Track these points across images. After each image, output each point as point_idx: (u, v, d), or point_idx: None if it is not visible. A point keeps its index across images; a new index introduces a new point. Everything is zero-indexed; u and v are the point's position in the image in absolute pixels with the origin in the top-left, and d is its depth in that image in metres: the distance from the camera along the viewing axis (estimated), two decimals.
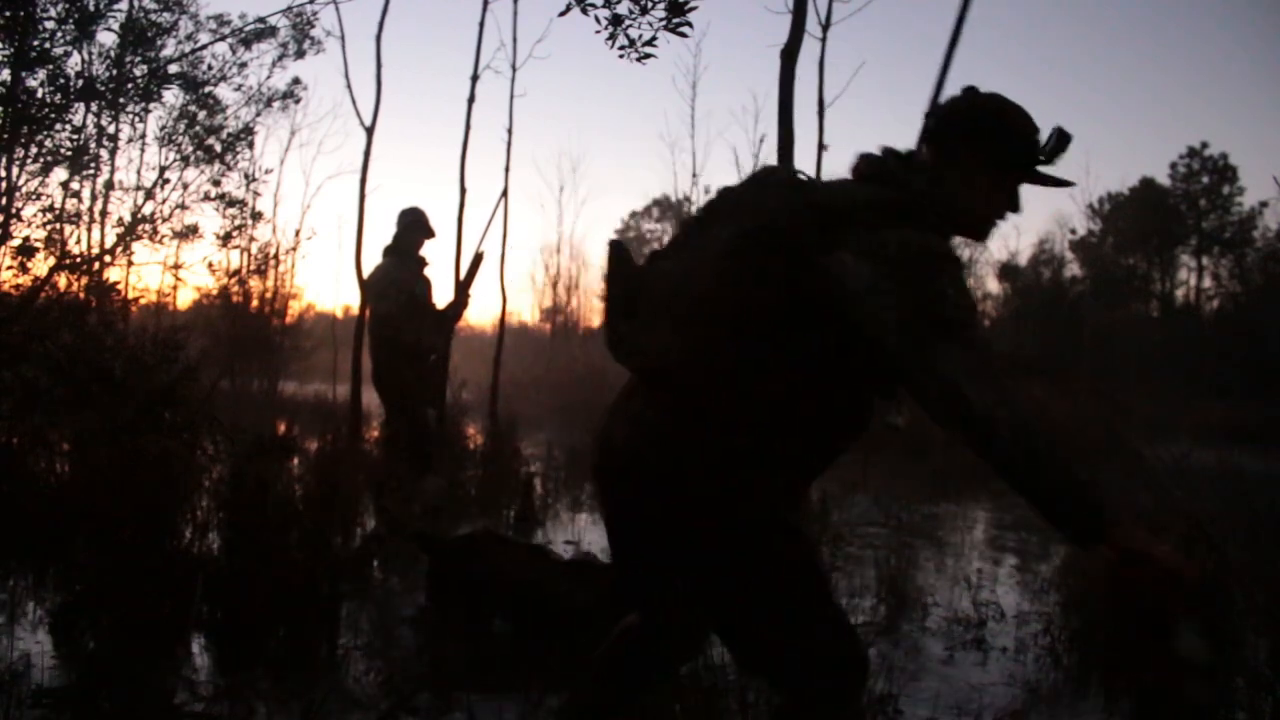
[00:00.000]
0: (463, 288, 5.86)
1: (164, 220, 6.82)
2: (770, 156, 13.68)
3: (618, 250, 1.72)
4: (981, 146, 1.63)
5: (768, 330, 1.54)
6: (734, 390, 1.54)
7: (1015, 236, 35.67)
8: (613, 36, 3.66)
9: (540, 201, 50.66)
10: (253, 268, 16.64)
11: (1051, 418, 1.41)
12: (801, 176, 1.68)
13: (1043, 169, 1.63)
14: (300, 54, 10.52)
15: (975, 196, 1.64)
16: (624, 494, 1.66)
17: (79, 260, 5.52)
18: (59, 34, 4.66)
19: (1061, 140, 1.61)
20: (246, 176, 10.72)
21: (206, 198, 8.24)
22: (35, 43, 4.52)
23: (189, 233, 9.50)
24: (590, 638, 2.97)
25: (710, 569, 1.59)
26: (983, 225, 1.68)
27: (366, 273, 6.41)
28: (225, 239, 10.57)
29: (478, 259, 5.88)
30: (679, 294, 1.62)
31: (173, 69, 6.31)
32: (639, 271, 1.71)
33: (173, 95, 7.56)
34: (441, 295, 5.73)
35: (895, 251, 1.47)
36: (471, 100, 8.67)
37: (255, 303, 18.05)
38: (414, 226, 5.59)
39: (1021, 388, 1.42)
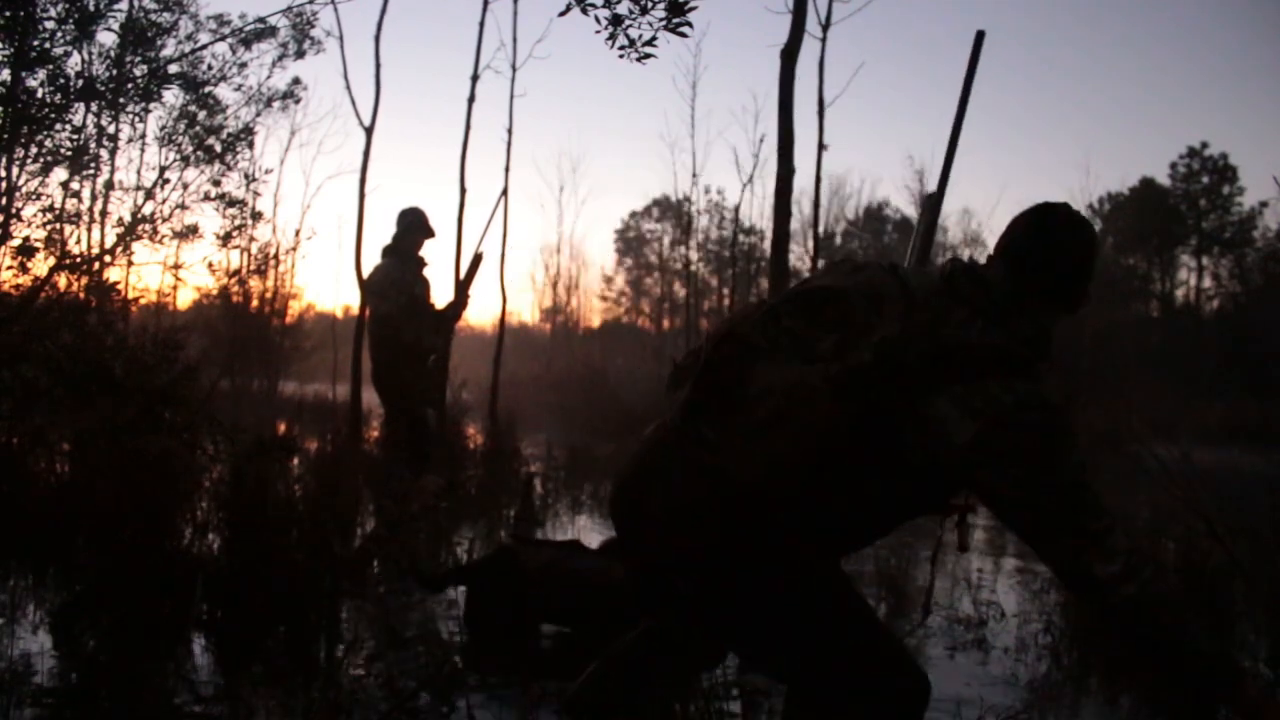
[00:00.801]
0: (462, 288, 5.85)
1: (164, 220, 6.79)
2: (770, 157, 13.68)
3: (713, 339, 1.67)
4: (1071, 287, 1.67)
5: (859, 457, 1.54)
6: (802, 502, 1.55)
7: None
8: (613, 36, 3.65)
9: (540, 201, 50.69)
10: (253, 268, 16.64)
11: (1172, 588, 1.46)
12: (910, 285, 1.61)
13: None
14: (300, 54, 10.49)
15: (1056, 320, 1.69)
16: (658, 557, 1.66)
17: (79, 260, 5.50)
18: (59, 34, 4.65)
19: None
20: (246, 176, 10.67)
21: (206, 198, 8.20)
22: (35, 43, 4.52)
23: (189, 233, 9.46)
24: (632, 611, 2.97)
25: (761, 619, 1.60)
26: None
27: (366, 273, 6.41)
28: (225, 239, 10.52)
29: (477, 259, 5.88)
30: (779, 418, 1.54)
31: (173, 69, 6.29)
32: (735, 366, 1.60)
33: (173, 95, 7.53)
34: (441, 295, 5.74)
35: (1007, 412, 1.46)
36: (471, 100, 8.70)
37: (255, 303, 18.08)
38: (414, 227, 5.59)
39: (1144, 557, 1.46)
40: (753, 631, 1.63)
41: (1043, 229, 1.66)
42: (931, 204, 1.94)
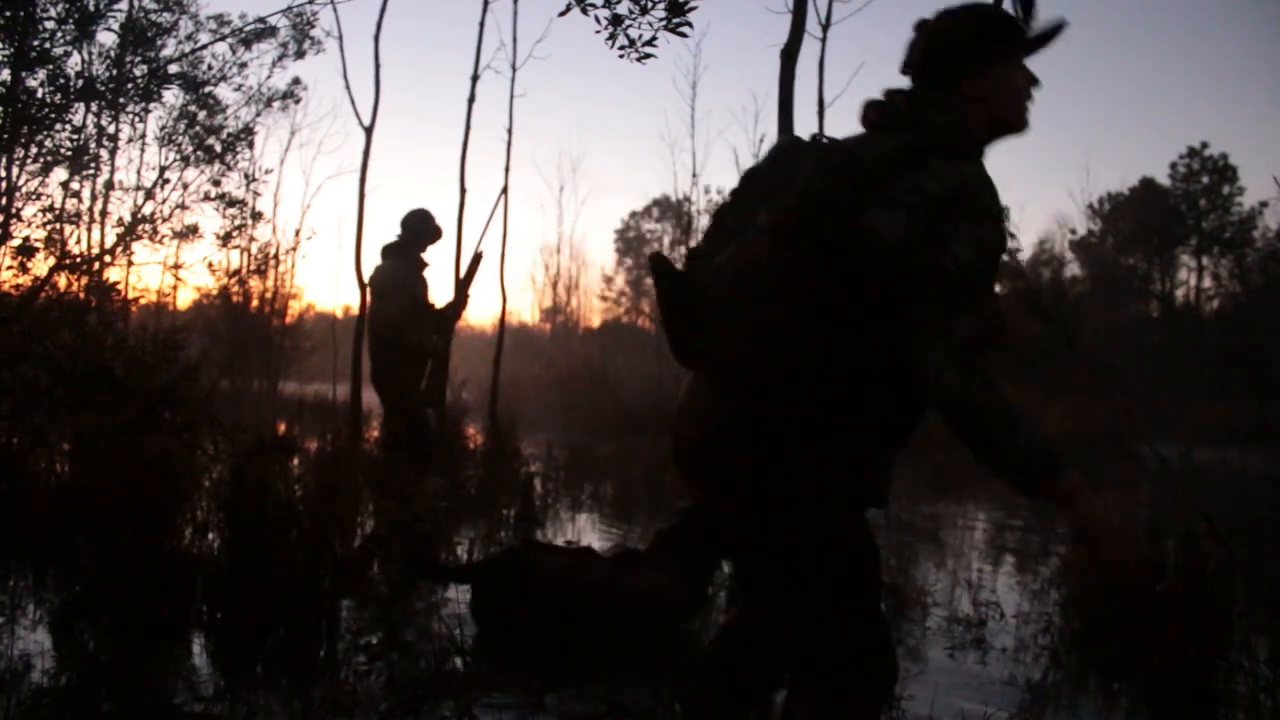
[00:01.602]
0: (462, 288, 5.86)
1: (164, 220, 6.83)
2: None
3: (659, 261, 1.66)
4: (977, 57, 1.58)
5: (829, 312, 1.47)
6: (807, 383, 1.49)
7: (1016, 236, 35.65)
8: (613, 36, 3.66)
9: (540, 201, 50.79)
10: (253, 268, 16.68)
11: (993, 397, 1.36)
12: (824, 140, 1.62)
13: (1033, 36, 1.60)
14: (300, 54, 10.54)
15: (999, 98, 1.59)
16: (707, 491, 1.65)
17: (79, 260, 5.52)
18: (59, 34, 4.66)
19: (1026, 4, 1.60)
20: (246, 176, 10.73)
21: (206, 198, 8.24)
22: (35, 43, 4.52)
23: (189, 233, 9.52)
24: (646, 623, 2.96)
25: (791, 554, 1.56)
26: (1019, 116, 1.62)
27: (367, 273, 6.42)
28: (225, 239, 10.59)
29: (477, 259, 5.88)
30: (735, 289, 1.54)
31: (173, 69, 6.31)
32: (688, 274, 1.64)
33: (173, 95, 7.58)
34: (441, 295, 5.75)
35: (931, 199, 1.41)
36: (471, 100, 8.68)
37: (255, 303, 18.08)
38: (424, 231, 5.59)
39: (977, 357, 1.37)
40: (771, 580, 1.62)
41: (928, 26, 1.62)
42: None
